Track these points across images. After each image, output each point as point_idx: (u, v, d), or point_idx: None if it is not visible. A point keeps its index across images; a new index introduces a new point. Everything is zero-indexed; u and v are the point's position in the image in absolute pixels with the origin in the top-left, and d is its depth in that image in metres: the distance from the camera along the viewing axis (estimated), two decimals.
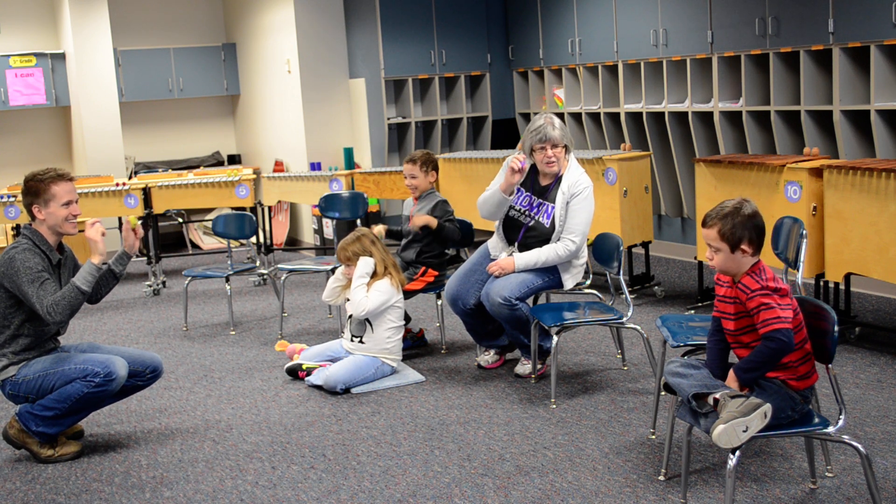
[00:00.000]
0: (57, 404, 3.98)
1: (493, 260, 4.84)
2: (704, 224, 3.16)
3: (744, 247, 3.08)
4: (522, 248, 4.74)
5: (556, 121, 4.68)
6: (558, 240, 4.66)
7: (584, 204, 4.65)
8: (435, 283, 5.32)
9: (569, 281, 4.75)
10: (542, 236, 4.70)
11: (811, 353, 3.09)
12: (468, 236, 5.61)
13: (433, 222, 5.23)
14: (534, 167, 4.81)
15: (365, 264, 4.90)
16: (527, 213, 4.76)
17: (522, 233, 4.75)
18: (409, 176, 5.42)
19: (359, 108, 9.01)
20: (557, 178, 4.71)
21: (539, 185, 4.78)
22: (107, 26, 9.14)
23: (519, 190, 4.81)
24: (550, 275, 4.71)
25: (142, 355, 4.24)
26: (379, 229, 5.28)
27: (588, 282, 4.97)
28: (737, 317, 3.14)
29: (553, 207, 4.67)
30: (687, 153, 7.47)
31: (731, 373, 3.10)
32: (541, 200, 4.73)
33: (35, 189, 4.02)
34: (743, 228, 3.07)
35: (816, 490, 3.40)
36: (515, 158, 4.65)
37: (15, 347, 4.04)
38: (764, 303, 3.01)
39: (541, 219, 4.70)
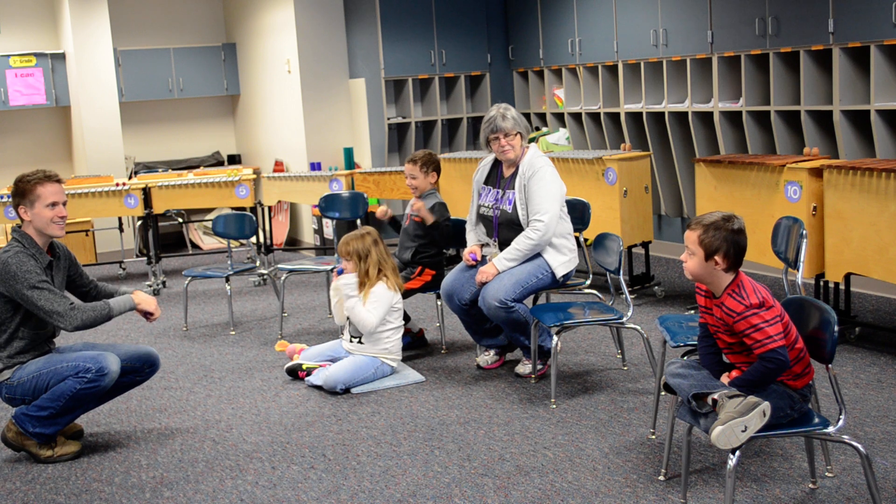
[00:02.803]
0: (51, 403, 3.97)
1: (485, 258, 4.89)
2: (689, 225, 3.17)
3: (717, 258, 3.07)
4: (502, 242, 4.81)
5: (510, 111, 4.78)
6: (528, 225, 4.71)
7: (542, 183, 4.69)
8: (433, 283, 5.32)
9: (559, 269, 4.72)
10: (513, 224, 4.76)
11: (804, 351, 3.09)
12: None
13: (430, 219, 5.22)
14: (498, 162, 4.94)
15: (346, 283, 4.85)
16: (493, 206, 4.85)
17: (496, 227, 4.83)
18: (409, 176, 5.42)
19: (359, 108, 9.01)
20: (518, 167, 4.82)
21: (504, 177, 4.88)
22: (107, 26, 9.14)
23: (485, 187, 4.94)
24: (542, 270, 4.71)
25: (137, 350, 4.24)
26: (383, 209, 5.44)
27: (588, 282, 4.97)
28: (727, 334, 3.14)
29: (514, 193, 4.76)
30: (687, 153, 7.47)
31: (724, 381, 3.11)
32: (505, 190, 4.83)
33: (21, 190, 4.01)
34: (722, 240, 3.07)
35: (816, 490, 3.40)
36: (467, 256, 4.91)
37: (10, 351, 4.03)
38: (752, 324, 3.00)
39: (504, 207, 4.79)
